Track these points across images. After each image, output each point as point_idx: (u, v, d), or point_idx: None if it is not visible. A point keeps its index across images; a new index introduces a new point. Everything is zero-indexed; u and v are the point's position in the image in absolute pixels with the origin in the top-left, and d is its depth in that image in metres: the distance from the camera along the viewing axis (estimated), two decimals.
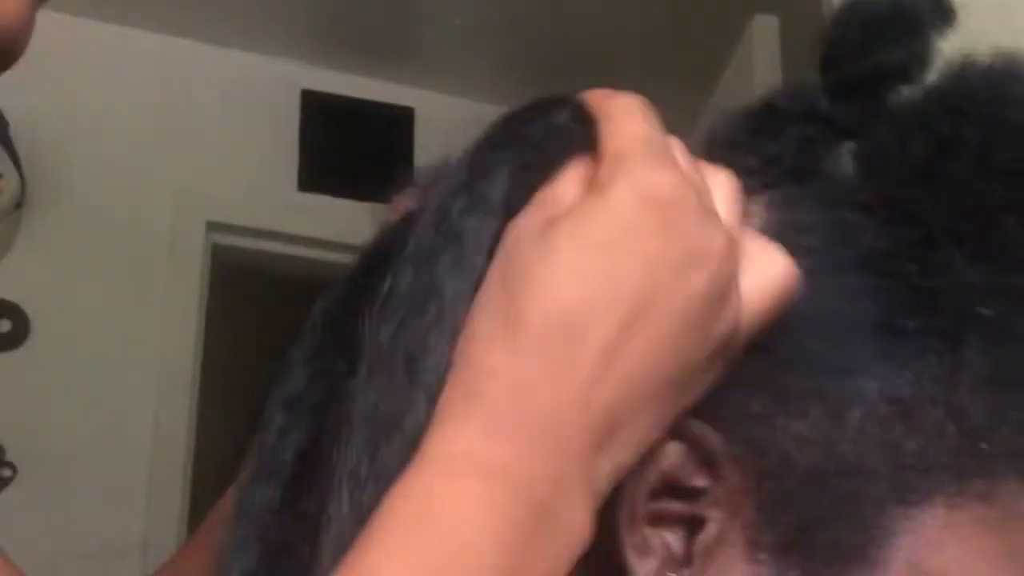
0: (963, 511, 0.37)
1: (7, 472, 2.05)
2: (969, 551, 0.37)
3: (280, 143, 2.39)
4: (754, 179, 0.42)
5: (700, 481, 0.37)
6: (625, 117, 0.38)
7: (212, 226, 2.30)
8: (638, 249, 0.34)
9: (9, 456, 2.06)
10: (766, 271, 0.37)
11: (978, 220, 0.38)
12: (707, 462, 0.37)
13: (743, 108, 0.45)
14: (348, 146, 2.48)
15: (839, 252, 0.39)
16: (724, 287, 0.35)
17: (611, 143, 0.37)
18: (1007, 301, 0.38)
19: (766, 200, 0.41)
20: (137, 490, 2.10)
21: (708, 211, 0.36)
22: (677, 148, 0.38)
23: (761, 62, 1.73)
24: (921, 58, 0.41)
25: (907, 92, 0.42)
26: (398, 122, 2.52)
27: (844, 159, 0.42)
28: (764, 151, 0.42)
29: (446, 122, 2.44)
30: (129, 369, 2.17)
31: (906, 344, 0.37)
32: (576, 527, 0.32)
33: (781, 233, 0.40)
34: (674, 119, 0.44)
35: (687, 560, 0.37)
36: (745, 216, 0.40)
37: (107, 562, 2.06)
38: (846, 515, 0.37)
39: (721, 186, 0.38)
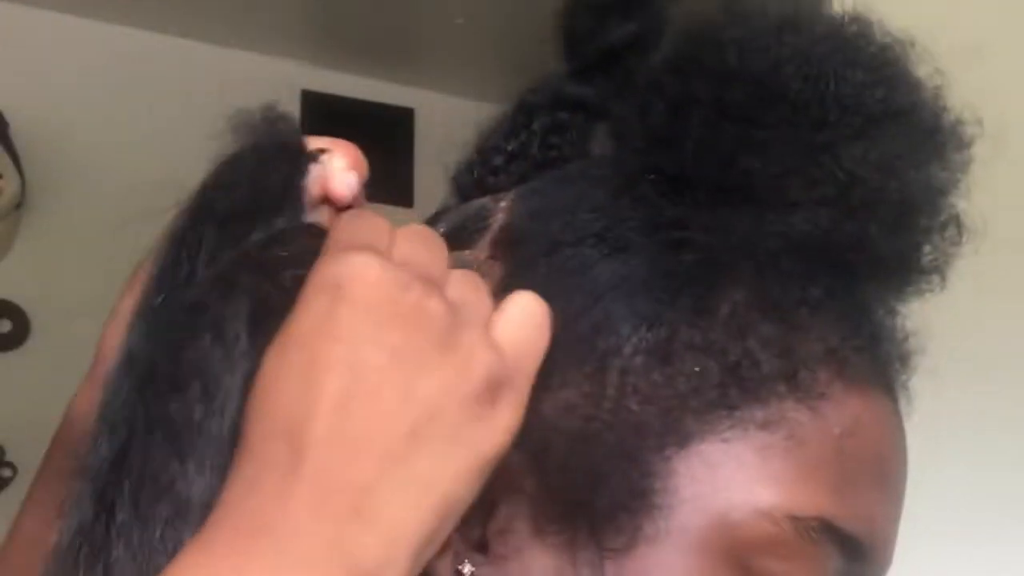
0: (743, 441, 0.37)
1: (7, 472, 2.05)
2: (756, 478, 0.37)
3: None
4: (500, 177, 0.43)
5: None
6: (339, 235, 0.38)
7: None
8: (322, 333, 0.34)
9: (9, 456, 2.06)
10: (518, 305, 0.37)
11: (717, 166, 0.39)
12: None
13: (501, 111, 0.45)
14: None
15: (568, 232, 0.39)
16: (432, 335, 0.35)
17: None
18: (752, 233, 0.39)
19: (512, 195, 0.42)
20: None
21: (402, 279, 0.36)
22: (406, 235, 0.38)
23: None
24: (652, 29, 0.42)
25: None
26: (398, 122, 2.52)
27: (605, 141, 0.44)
28: (507, 149, 0.43)
29: (446, 122, 2.44)
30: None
31: (653, 296, 0.38)
32: None
33: (520, 222, 0.41)
34: None
35: (482, 546, 0.37)
36: (490, 218, 0.41)
37: None
38: (621, 468, 0.37)
39: (456, 274, 0.38)
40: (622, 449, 0.37)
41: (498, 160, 0.43)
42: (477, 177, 0.44)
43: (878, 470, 0.39)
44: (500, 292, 0.39)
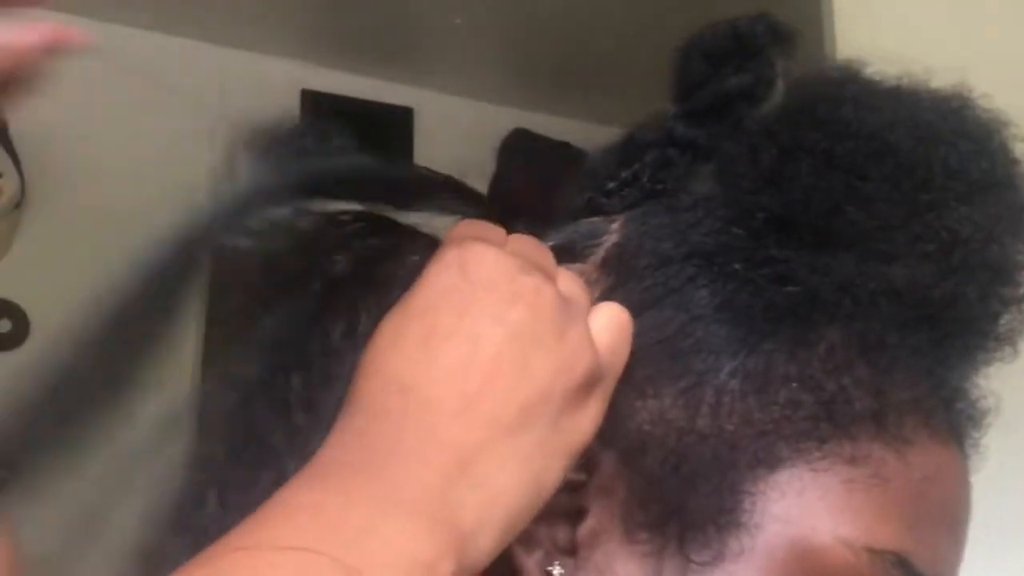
0: (829, 473, 0.39)
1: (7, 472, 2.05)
2: (840, 509, 0.39)
3: None
4: (614, 200, 0.45)
5: (578, 475, 0.39)
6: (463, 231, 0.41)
7: None
8: (448, 307, 0.37)
9: None
10: (607, 314, 0.40)
11: (823, 212, 0.41)
12: (582, 456, 0.39)
13: (611, 142, 0.48)
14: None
15: (679, 249, 0.42)
16: (548, 320, 0.37)
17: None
18: (852, 278, 0.41)
19: (623, 218, 0.44)
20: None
21: (521, 268, 0.38)
22: (520, 237, 0.41)
23: None
24: (765, 80, 0.45)
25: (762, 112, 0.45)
26: (398, 122, 2.52)
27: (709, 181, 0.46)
28: (620, 176, 0.45)
29: (446, 122, 2.44)
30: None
31: (752, 325, 0.40)
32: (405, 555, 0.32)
33: (632, 240, 0.43)
34: None
35: (572, 549, 0.39)
36: (603, 236, 0.43)
37: (106, 562, 2.06)
38: (712, 485, 0.39)
39: (563, 272, 0.41)
40: (715, 464, 0.39)
41: (611, 185, 0.45)
42: (588, 199, 0.46)
43: (950, 517, 0.41)
44: (604, 300, 0.41)
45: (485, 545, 0.34)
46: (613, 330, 0.39)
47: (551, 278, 0.39)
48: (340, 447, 0.35)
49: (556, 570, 0.38)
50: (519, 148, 2.13)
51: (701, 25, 0.46)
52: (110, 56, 2.29)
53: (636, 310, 0.41)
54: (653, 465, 0.39)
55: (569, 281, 0.40)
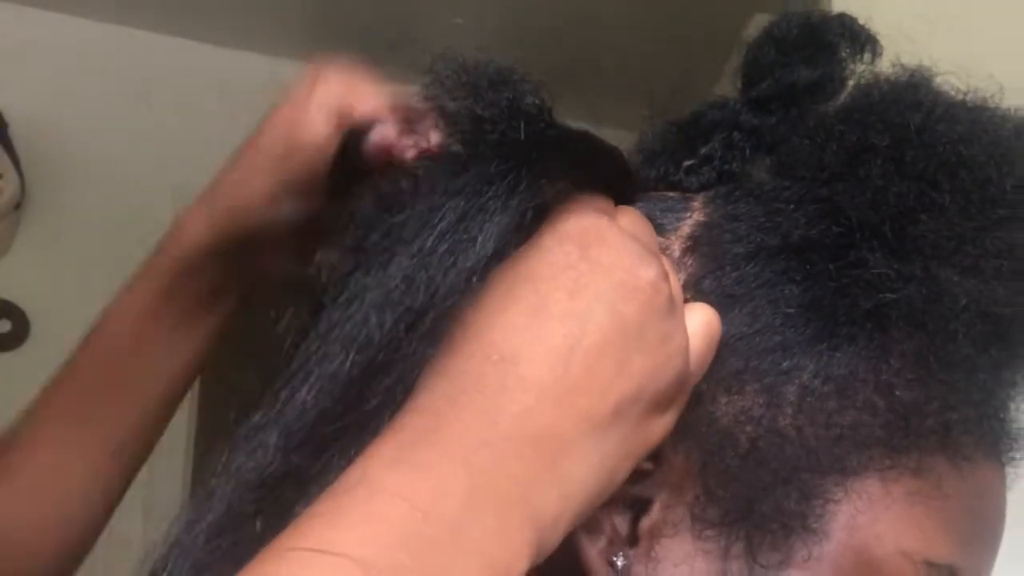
0: (897, 484, 0.39)
1: None
2: (903, 520, 0.39)
3: None
4: (692, 178, 0.44)
5: (644, 464, 0.38)
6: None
7: None
8: (561, 286, 0.36)
9: None
10: (699, 318, 0.39)
11: (896, 217, 0.41)
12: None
13: (671, 119, 0.47)
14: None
15: (771, 240, 0.41)
16: (655, 319, 0.36)
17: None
18: (929, 289, 0.40)
19: (702, 197, 0.44)
20: (137, 490, 2.10)
21: (641, 250, 0.37)
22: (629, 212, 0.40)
23: None
24: (834, 78, 0.44)
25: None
26: None
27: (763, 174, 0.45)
28: (697, 152, 0.44)
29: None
30: None
31: (837, 327, 0.40)
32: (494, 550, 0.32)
33: (720, 222, 0.42)
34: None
35: (634, 539, 0.38)
36: (685, 213, 0.42)
37: (107, 562, 2.06)
38: (786, 487, 0.38)
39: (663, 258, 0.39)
40: (789, 467, 0.38)
41: (689, 162, 0.45)
42: (662, 172, 0.45)
43: (992, 534, 0.42)
44: (692, 288, 0.40)
45: (555, 540, 0.34)
46: (703, 337, 0.38)
47: (665, 274, 0.37)
48: (430, 413, 0.34)
49: (620, 560, 0.38)
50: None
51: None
52: (110, 56, 2.30)
53: (726, 300, 0.40)
54: (729, 462, 0.38)
55: (672, 275, 0.39)
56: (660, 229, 0.42)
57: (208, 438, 2.32)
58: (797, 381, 0.39)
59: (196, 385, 2.22)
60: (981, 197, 0.41)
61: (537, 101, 0.41)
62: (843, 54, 0.44)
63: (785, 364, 0.39)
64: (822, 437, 0.39)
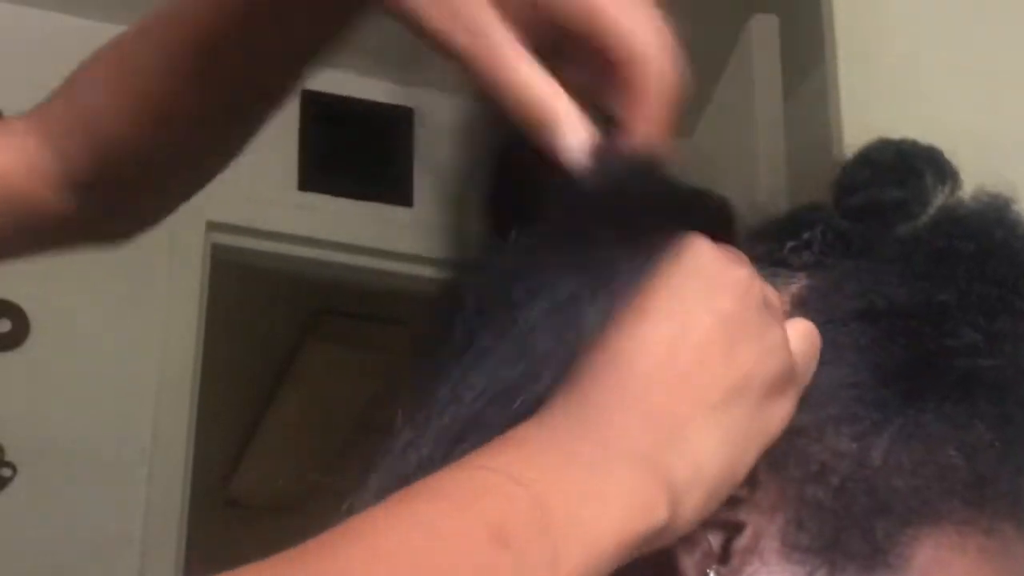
0: (969, 539, 0.42)
1: (7, 472, 2.05)
2: (973, 572, 0.42)
3: (280, 143, 2.39)
4: (795, 257, 0.48)
5: (740, 491, 0.41)
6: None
7: (212, 226, 2.30)
8: (671, 294, 0.39)
9: (9, 456, 2.06)
10: (799, 327, 0.42)
11: (978, 314, 0.45)
12: (749, 476, 0.40)
13: (767, 218, 0.52)
14: (348, 146, 2.48)
15: (878, 302, 0.45)
16: (755, 311, 0.40)
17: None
18: (1014, 363, 0.44)
19: (808, 270, 0.48)
20: (137, 490, 2.10)
21: (735, 259, 0.41)
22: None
23: (761, 61, 1.73)
24: (918, 200, 0.49)
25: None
26: (398, 122, 2.52)
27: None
28: (802, 236, 0.49)
29: (446, 122, 2.44)
30: (129, 369, 2.17)
31: (927, 387, 0.43)
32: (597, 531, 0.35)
33: (827, 286, 0.46)
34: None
35: (726, 558, 0.41)
36: (791, 279, 0.46)
37: (107, 561, 2.07)
38: (870, 524, 0.42)
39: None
40: (879, 506, 0.42)
41: (792, 243, 0.49)
42: (768, 249, 0.49)
43: None
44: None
45: (692, 506, 0.37)
46: (805, 340, 0.42)
47: (756, 275, 0.41)
48: (561, 407, 0.38)
49: (712, 574, 0.41)
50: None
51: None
52: None
53: (833, 351, 0.44)
54: (821, 496, 0.42)
55: (770, 288, 0.43)
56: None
57: (207, 438, 2.32)
58: (887, 433, 0.42)
59: (197, 383, 2.22)
60: None
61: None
62: (928, 181, 0.49)
63: (878, 416, 0.43)
64: (908, 484, 0.42)
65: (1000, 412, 0.44)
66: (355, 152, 2.47)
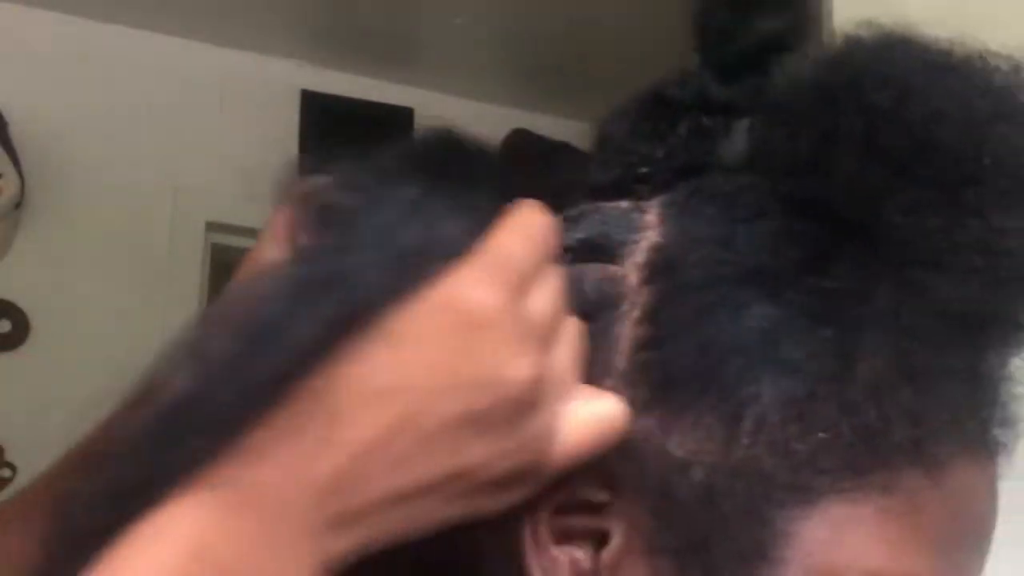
0: (864, 504, 0.37)
1: (7, 472, 2.05)
2: (871, 538, 0.38)
3: (280, 143, 2.39)
4: (646, 185, 0.42)
5: (601, 496, 0.37)
6: (511, 233, 0.37)
7: (212, 226, 2.29)
8: (424, 358, 0.34)
9: (9, 456, 2.06)
10: (592, 410, 0.37)
11: (864, 209, 0.39)
12: (607, 477, 0.37)
13: (631, 102, 0.44)
14: (348, 146, 2.47)
15: (729, 268, 0.39)
16: (512, 413, 0.35)
17: (478, 252, 0.36)
18: (898, 295, 0.38)
19: (659, 208, 0.42)
20: None
21: (523, 342, 0.35)
22: (548, 280, 0.38)
23: None
24: (797, 27, 0.42)
25: (790, 63, 0.42)
26: (398, 122, 2.52)
27: (738, 138, 0.43)
28: (654, 154, 0.42)
29: (446, 122, 2.44)
30: (129, 369, 2.16)
31: (795, 349, 0.38)
32: None
33: (677, 245, 0.40)
34: None
35: (595, 574, 0.37)
36: (639, 233, 0.41)
37: None
38: (743, 517, 0.37)
39: (568, 336, 0.38)
40: (747, 500, 0.37)
41: (644, 170, 0.42)
42: (616, 178, 0.43)
43: (979, 533, 0.40)
44: (648, 321, 0.39)
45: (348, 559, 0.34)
46: (590, 429, 0.37)
47: (540, 374, 0.36)
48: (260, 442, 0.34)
49: None
50: (519, 148, 2.13)
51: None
52: (110, 56, 2.30)
53: (680, 328, 0.39)
54: (685, 493, 0.37)
55: (567, 348, 0.37)
56: (614, 253, 0.41)
57: None
58: (754, 410, 0.37)
59: None
60: (953, 180, 0.38)
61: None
62: (801, 2, 0.43)
63: (741, 394, 0.37)
64: (780, 466, 0.37)
65: (885, 357, 0.38)
66: (355, 152, 2.47)
